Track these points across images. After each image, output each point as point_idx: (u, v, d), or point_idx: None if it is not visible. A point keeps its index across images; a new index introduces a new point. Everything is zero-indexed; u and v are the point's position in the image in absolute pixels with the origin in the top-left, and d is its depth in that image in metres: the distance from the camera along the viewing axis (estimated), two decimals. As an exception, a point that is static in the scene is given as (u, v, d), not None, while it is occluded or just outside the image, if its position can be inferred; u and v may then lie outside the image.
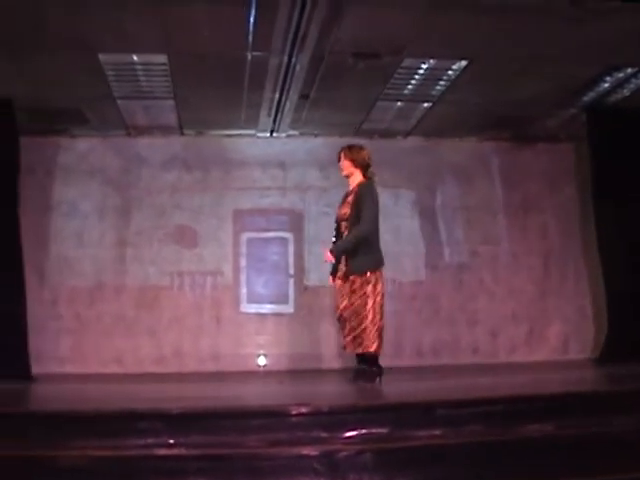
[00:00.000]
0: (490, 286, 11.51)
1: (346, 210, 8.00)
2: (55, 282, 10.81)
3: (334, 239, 8.18)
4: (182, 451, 5.19)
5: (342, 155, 8.13)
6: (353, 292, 7.87)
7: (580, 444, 5.40)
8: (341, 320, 8.04)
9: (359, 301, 7.83)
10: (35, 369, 9.54)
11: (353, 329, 7.83)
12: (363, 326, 7.79)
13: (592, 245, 10.82)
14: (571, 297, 11.49)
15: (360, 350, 7.89)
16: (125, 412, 5.75)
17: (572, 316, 11.44)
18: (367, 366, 7.96)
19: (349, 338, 7.90)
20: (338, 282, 8.07)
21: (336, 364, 10.58)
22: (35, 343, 9.76)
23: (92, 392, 8.19)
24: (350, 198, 8.01)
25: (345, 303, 7.92)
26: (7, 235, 9.47)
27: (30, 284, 9.86)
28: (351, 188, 8.07)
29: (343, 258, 7.96)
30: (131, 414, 5.65)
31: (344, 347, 8.13)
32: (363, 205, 7.85)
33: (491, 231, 11.65)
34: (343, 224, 8.04)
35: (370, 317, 7.81)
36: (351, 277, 7.89)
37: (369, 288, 7.84)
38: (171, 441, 5.29)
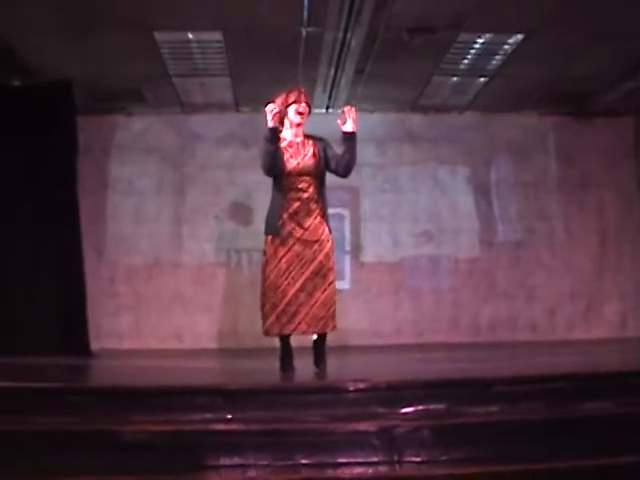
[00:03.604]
0: (547, 263, 11.43)
1: (312, 162, 6.81)
2: (113, 259, 10.94)
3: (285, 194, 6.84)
4: (240, 426, 5.23)
5: (306, 98, 6.96)
6: (316, 258, 6.74)
7: (639, 422, 5.35)
8: (303, 293, 6.70)
9: (330, 265, 6.80)
10: (94, 345, 9.69)
11: (324, 305, 6.72)
12: (334, 299, 6.82)
13: (651, 222, 10.74)
14: (629, 274, 11.37)
15: (329, 330, 6.86)
16: (184, 387, 5.81)
17: (630, 293, 11.33)
18: (323, 348, 7.01)
19: (332, 310, 6.78)
20: (295, 244, 6.74)
21: (394, 340, 10.61)
22: (94, 319, 9.91)
23: (151, 368, 8.25)
24: (313, 150, 6.86)
25: (312, 268, 6.70)
26: (66, 213, 9.59)
27: (89, 261, 9.99)
28: (299, 139, 6.91)
29: (313, 213, 6.81)
30: (190, 389, 5.71)
31: (298, 328, 6.74)
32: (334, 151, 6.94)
33: (548, 207, 11.55)
34: (306, 179, 6.80)
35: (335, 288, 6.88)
36: (321, 237, 6.79)
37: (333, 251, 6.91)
38: (229, 416, 5.34)
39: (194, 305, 10.90)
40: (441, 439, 5.10)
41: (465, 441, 5.08)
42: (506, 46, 8.87)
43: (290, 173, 6.78)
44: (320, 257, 6.73)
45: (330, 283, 6.76)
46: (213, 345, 10.66)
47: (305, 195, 6.78)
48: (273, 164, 6.77)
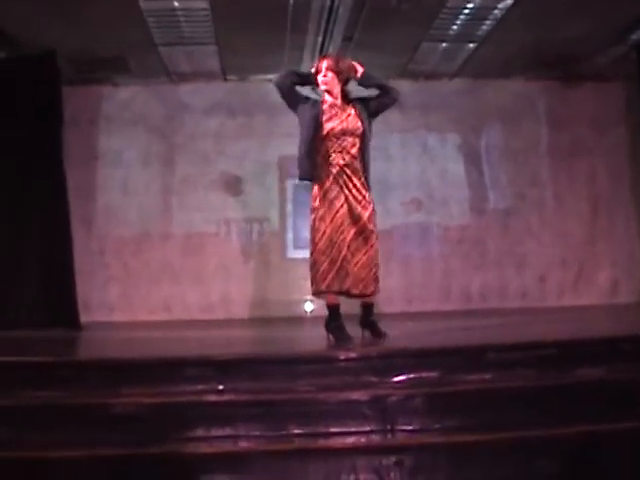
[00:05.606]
0: (537, 230, 11.40)
1: (354, 122, 6.70)
2: (102, 231, 10.90)
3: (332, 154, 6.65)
4: (232, 397, 5.21)
5: (328, 66, 6.77)
6: (361, 218, 6.62)
7: (631, 388, 5.33)
8: (349, 252, 6.58)
9: (371, 228, 6.66)
10: (84, 318, 9.61)
11: (364, 267, 6.60)
12: (375, 262, 6.67)
13: (642, 187, 10.72)
14: (620, 241, 11.35)
15: (369, 292, 6.69)
16: (174, 359, 5.79)
17: (621, 260, 11.32)
18: (372, 315, 6.95)
19: (373, 273, 6.63)
20: (347, 199, 6.62)
21: (385, 308, 10.57)
22: (83, 292, 9.84)
23: (141, 339, 8.23)
24: (355, 111, 6.73)
25: (356, 229, 6.62)
26: (53, 186, 9.50)
27: (77, 234, 9.91)
28: (338, 101, 6.78)
29: (358, 172, 6.69)
30: (180, 361, 5.68)
31: (350, 287, 6.57)
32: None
33: (538, 174, 11.51)
34: (349, 139, 6.68)
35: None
36: (366, 198, 6.68)
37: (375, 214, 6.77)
38: (220, 387, 5.31)
39: (184, 276, 10.87)
40: (434, 407, 5.09)
41: (458, 409, 5.08)
42: (495, 11, 8.80)
43: (330, 133, 6.68)
44: (364, 218, 6.62)
45: (372, 246, 6.62)
46: (203, 316, 10.63)
47: (351, 153, 6.68)
48: (286, 80, 6.84)
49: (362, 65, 6.86)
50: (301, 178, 6.79)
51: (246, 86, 11.09)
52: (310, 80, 6.89)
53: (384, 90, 6.87)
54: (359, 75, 6.83)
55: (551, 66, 10.70)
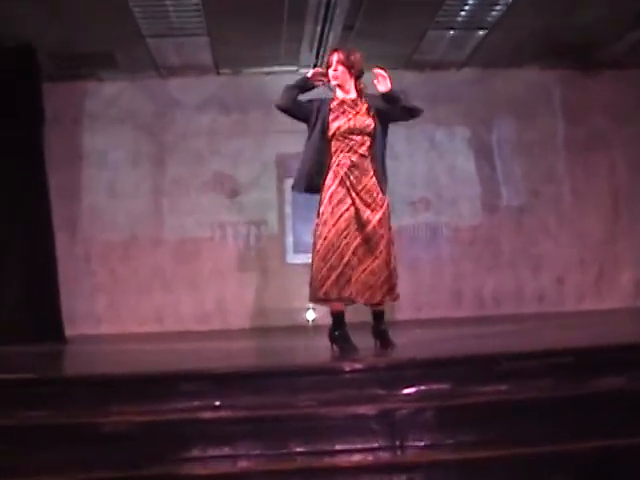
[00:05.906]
0: (554, 229, 11.41)
1: (365, 120, 6.69)
2: (87, 236, 10.91)
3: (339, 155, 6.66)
4: (229, 413, 5.21)
5: (339, 59, 6.76)
6: (369, 223, 6.58)
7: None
8: (355, 258, 6.56)
9: (381, 232, 6.63)
10: (69, 330, 9.64)
11: (373, 273, 6.56)
12: (387, 269, 6.62)
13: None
14: (643, 239, 11.36)
15: (391, 299, 6.75)
16: (168, 373, 5.78)
17: (645, 259, 11.33)
18: (383, 324, 6.90)
19: (381, 281, 6.60)
20: (353, 203, 6.59)
21: (393, 316, 10.58)
22: (68, 302, 9.85)
23: (131, 353, 8.25)
24: (367, 108, 6.73)
25: (364, 234, 6.58)
26: (33, 188, 9.50)
27: (61, 239, 9.93)
28: (348, 97, 6.77)
29: (368, 173, 6.68)
30: (174, 375, 5.68)
31: (351, 294, 6.53)
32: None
33: (554, 169, 11.51)
34: (357, 138, 6.66)
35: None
36: (376, 200, 6.69)
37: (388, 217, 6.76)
38: (217, 403, 5.31)
39: (176, 284, 10.87)
40: (446, 421, 5.08)
41: (472, 423, 5.06)
42: (506, -6, 8.84)
43: (337, 133, 6.68)
44: (373, 222, 6.60)
45: (381, 252, 6.58)
46: (198, 326, 10.63)
47: (359, 153, 6.68)
48: (287, 99, 6.74)
49: (390, 76, 6.73)
50: (306, 190, 6.83)
51: (240, 80, 11.10)
52: (308, 84, 6.84)
53: (406, 111, 6.83)
54: (384, 90, 6.71)
55: (565, 53, 10.70)
